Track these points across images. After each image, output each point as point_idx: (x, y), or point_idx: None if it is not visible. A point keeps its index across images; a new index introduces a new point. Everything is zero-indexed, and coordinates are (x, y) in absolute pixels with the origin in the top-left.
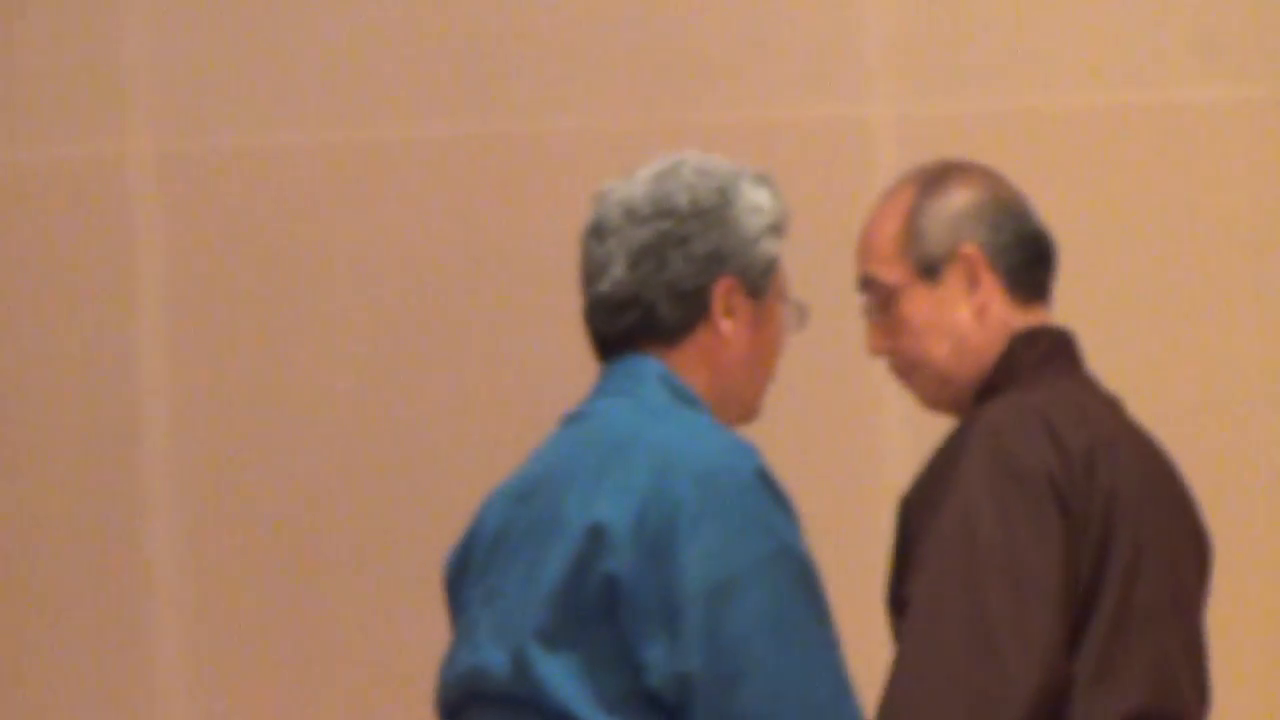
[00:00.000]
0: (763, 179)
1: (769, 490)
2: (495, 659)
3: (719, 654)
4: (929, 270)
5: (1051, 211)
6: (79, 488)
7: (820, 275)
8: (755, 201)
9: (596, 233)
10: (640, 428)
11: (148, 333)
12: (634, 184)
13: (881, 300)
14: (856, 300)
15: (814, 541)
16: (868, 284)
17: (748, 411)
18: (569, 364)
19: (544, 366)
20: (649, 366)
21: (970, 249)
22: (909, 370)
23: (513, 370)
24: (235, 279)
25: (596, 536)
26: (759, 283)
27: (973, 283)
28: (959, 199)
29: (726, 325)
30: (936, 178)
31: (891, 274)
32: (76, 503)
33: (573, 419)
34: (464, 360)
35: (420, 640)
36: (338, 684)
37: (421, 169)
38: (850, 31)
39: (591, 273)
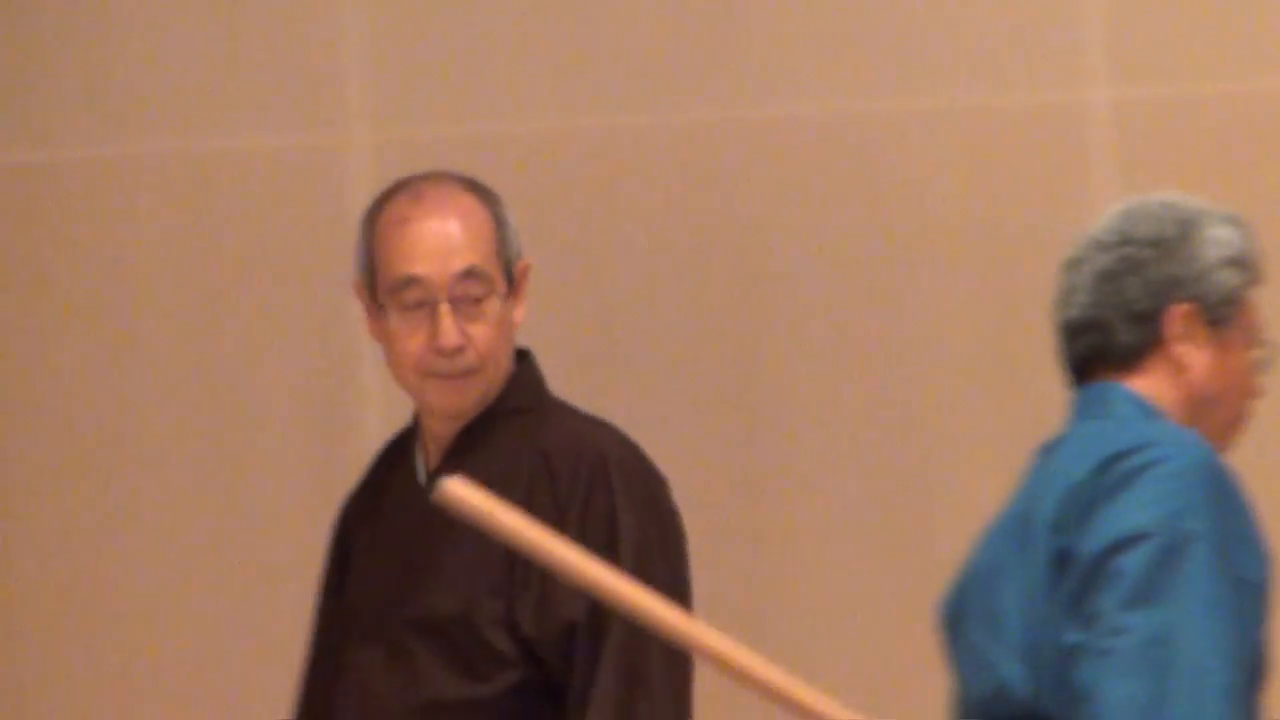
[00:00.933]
0: (1232, 219)
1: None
2: (1014, 676)
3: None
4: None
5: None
6: (299, 481)
7: None
8: (1218, 235)
9: (1071, 263)
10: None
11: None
12: (1107, 217)
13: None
14: None
15: None
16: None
17: (1215, 444)
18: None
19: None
20: (1118, 390)
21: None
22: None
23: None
24: None
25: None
26: (1219, 311)
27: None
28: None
29: (1181, 350)
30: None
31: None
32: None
33: (1049, 449)
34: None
35: None
36: None
37: (636, 156)
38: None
39: (1061, 300)
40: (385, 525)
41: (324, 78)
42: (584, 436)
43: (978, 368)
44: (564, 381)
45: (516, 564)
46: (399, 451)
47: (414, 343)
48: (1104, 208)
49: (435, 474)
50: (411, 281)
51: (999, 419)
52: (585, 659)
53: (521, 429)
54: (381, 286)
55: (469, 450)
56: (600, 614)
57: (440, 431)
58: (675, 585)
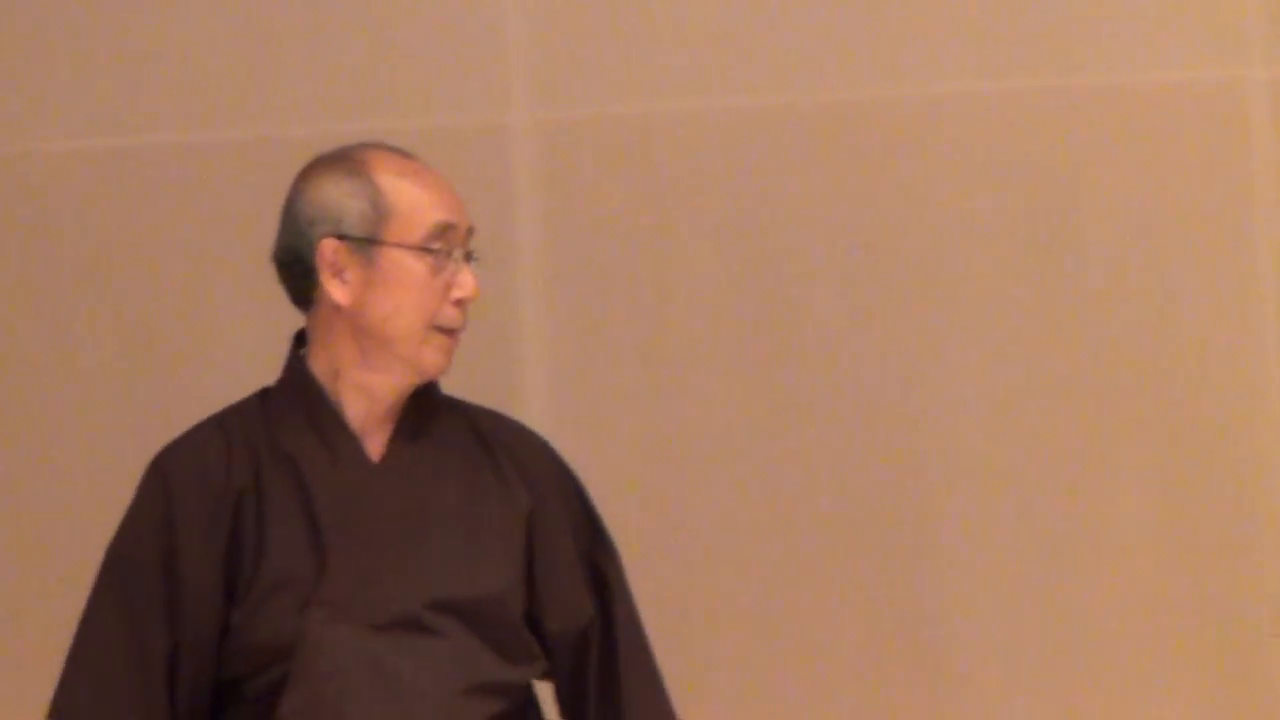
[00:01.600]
0: None
1: None
2: None
3: None
4: None
5: None
6: None
7: None
8: None
9: None
10: None
11: (528, 297)
12: None
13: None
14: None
15: None
16: (471, 233)
17: None
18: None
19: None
20: None
21: None
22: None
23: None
24: (611, 250)
25: None
26: None
27: None
28: None
29: None
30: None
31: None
32: None
33: None
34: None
35: None
36: None
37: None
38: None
39: None
40: (333, 502)
41: (488, 57)
42: (512, 424)
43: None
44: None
45: (536, 563)
46: (294, 417)
47: (432, 293)
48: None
49: (392, 454)
50: (448, 228)
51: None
52: (602, 643)
53: (450, 411)
54: (405, 233)
55: (420, 430)
56: (608, 613)
57: (372, 407)
58: None
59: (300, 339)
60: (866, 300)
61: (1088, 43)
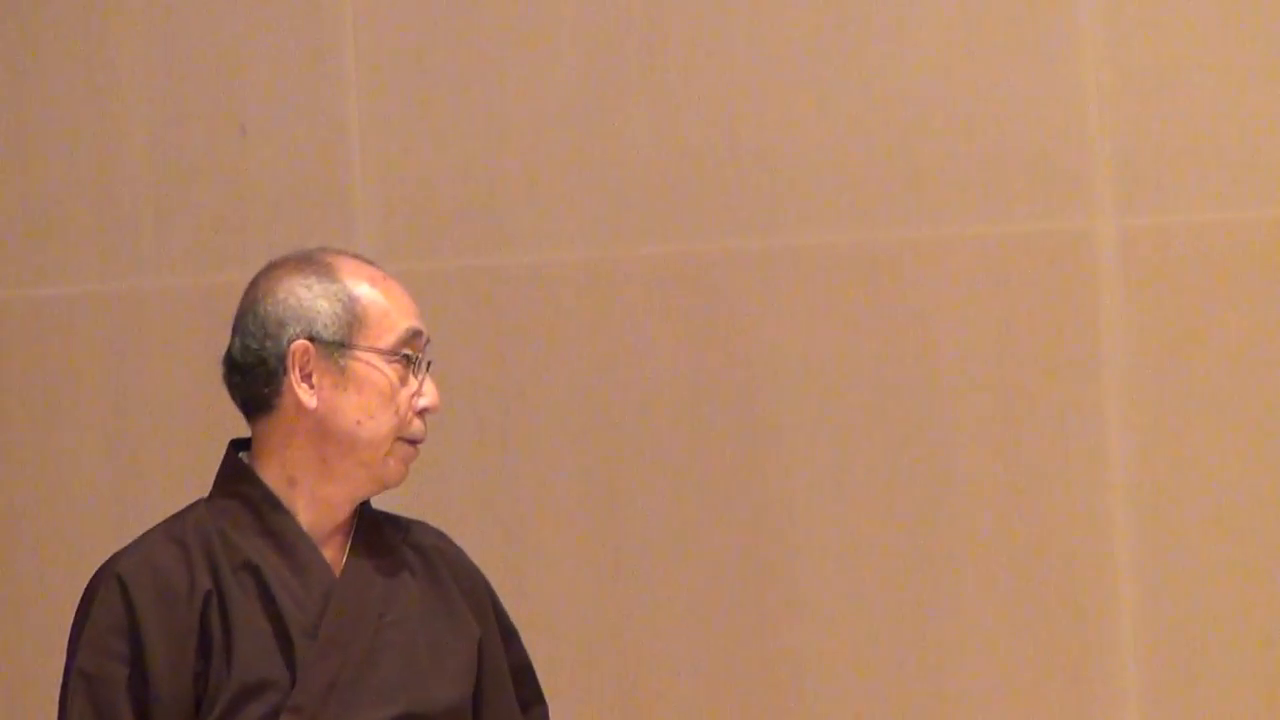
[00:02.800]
0: None
1: None
2: None
3: None
4: None
5: None
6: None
7: None
8: None
9: None
10: None
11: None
12: None
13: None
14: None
15: None
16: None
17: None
18: None
19: None
20: None
21: None
22: None
23: None
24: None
25: None
26: None
27: None
28: None
29: None
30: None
31: None
32: None
33: None
34: None
35: None
36: None
37: None
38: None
39: None
40: (301, 611)
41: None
42: (433, 531)
43: (988, 487)
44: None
45: (483, 687)
46: (247, 525)
47: (402, 400)
48: (1111, 331)
49: (352, 565)
50: (416, 335)
51: (1009, 536)
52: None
53: (387, 522)
54: (377, 338)
55: (373, 542)
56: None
57: (326, 517)
58: None
59: (237, 447)
60: None
61: (944, 194)
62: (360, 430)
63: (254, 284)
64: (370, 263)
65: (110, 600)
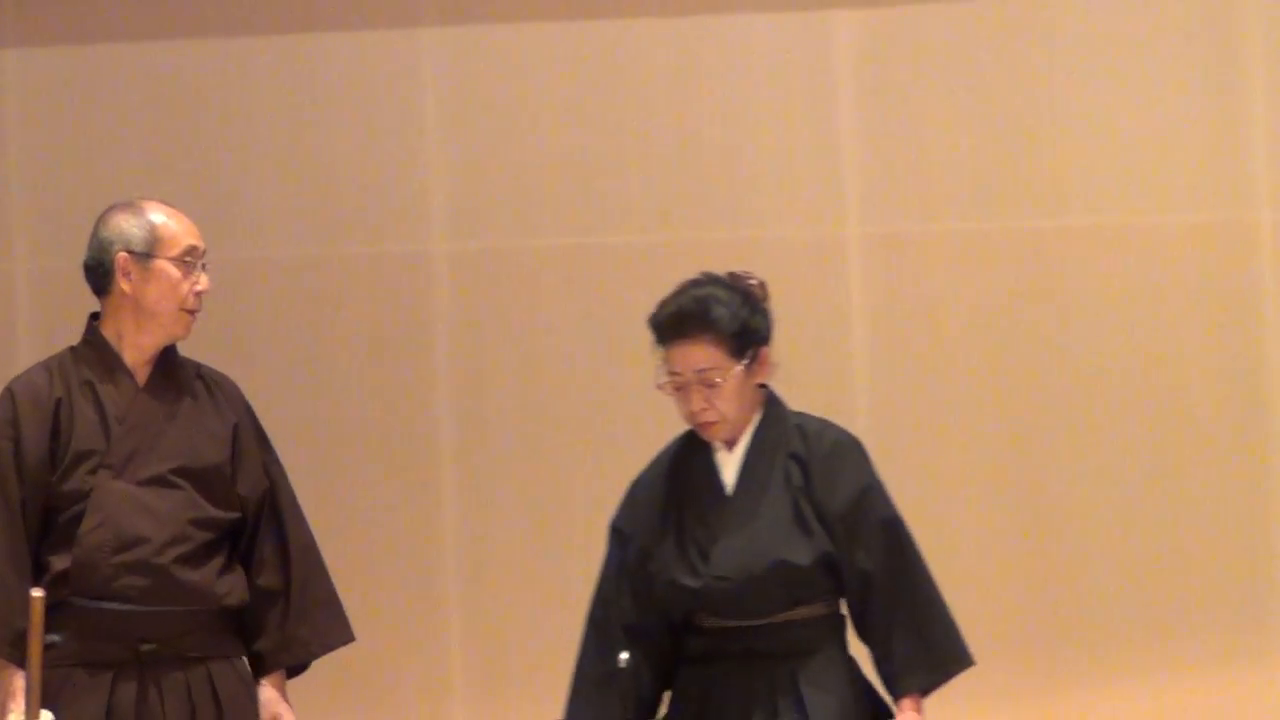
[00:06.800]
0: None
1: None
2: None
3: None
4: None
5: None
6: None
7: None
8: None
9: None
10: None
11: None
12: None
13: None
14: None
15: None
16: (204, 252)
17: None
18: None
19: None
20: None
21: None
22: None
23: None
24: None
25: None
26: None
27: None
28: None
29: None
30: None
31: None
32: None
33: None
34: None
35: None
36: None
37: None
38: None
39: None
40: (116, 408)
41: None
42: (214, 372)
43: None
44: None
45: (236, 453)
46: (93, 361)
47: (184, 288)
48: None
49: (152, 382)
50: (194, 249)
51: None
52: (272, 503)
53: (184, 362)
54: (168, 250)
55: (168, 371)
56: (273, 491)
57: (139, 357)
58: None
59: (94, 317)
60: None
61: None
62: (159, 306)
63: (99, 219)
64: (168, 204)
65: (4, 405)
